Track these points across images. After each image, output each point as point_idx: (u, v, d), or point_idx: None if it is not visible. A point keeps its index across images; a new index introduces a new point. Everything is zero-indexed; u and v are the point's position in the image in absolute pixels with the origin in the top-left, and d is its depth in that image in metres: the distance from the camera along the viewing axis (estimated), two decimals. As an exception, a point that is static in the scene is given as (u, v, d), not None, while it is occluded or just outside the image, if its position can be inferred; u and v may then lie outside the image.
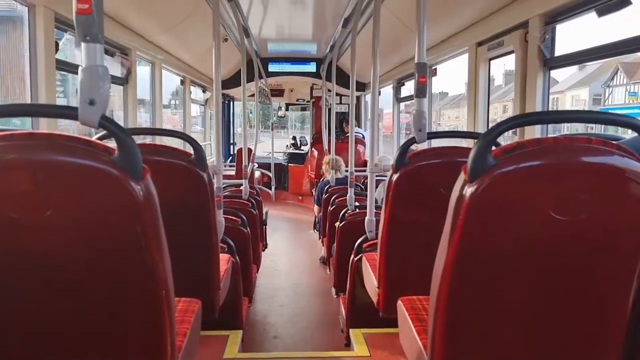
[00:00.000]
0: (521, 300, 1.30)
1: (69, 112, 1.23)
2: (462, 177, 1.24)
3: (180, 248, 1.48)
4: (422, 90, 2.19)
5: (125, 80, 4.27)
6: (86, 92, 1.18)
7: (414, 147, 2.23)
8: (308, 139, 11.54)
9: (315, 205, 6.13)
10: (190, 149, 2.16)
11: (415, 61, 2.21)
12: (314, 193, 6.88)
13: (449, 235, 1.26)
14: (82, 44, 1.19)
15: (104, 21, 1.21)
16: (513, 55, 3.18)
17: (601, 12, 2.43)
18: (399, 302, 1.91)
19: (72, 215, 1.16)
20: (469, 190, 1.20)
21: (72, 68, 3.26)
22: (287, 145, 12.40)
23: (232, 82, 8.03)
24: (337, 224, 3.96)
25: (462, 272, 1.27)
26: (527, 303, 1.31)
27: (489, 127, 3.81)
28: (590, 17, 2.53)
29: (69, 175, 1.14)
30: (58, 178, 1.14)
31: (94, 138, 1.39)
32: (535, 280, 1.28)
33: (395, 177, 2.10)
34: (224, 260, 2.63)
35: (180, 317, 1.65)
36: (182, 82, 6.64)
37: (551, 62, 2.90)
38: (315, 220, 6.53)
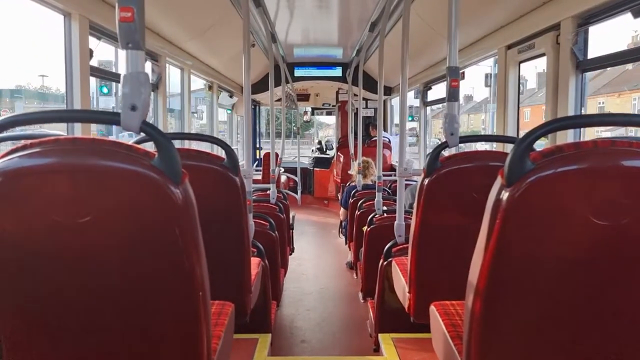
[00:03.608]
0: (560, 307, 1.27)
1: (111, 118, 1.26)
2: (498, 181, 1.22)
3: (213, 251, 1.50)
4: (454, 94, 2.18)
5: (155, 86, 4.34)
6: (128, 98, 1.21)
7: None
8: (334, 143, 11.57)
9: (342, 207, 6.11)
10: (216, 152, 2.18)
11: (447, 65, 2.20)
12: (339, 197, 6.87)
13: (485, 240, 1.24)
14: (125, 51, 1.22)
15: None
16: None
17: (637, 13, 2.38)
18: (432, 307, 1.89)
19: (113, 219, 1.19)
20: (506, 195, 1.18)
21: (105, 75, 3.34)
22: (312, 150, 12.45)
23: (258, 87, 8.10)
24: (364, 228, 3.95)
25: (499, 277, 1.26)
26: (567, 309, 1.28)
27: (518, 131, 3.79)
28: (625, 19, 2.48)
29: (111, 179, 1.17)
30: (100, 182, 1.17)
31: (131, 142, 1.42)
32: (575, 286, 1.25)
33: (427, 181, 2.09)
34: (254, 264, 2.65)
35: (215, 319, 1.67)
36: (210, 88, 6.73)
37: (584, 64, 2.85)
38: (340, 225, 6.53)
